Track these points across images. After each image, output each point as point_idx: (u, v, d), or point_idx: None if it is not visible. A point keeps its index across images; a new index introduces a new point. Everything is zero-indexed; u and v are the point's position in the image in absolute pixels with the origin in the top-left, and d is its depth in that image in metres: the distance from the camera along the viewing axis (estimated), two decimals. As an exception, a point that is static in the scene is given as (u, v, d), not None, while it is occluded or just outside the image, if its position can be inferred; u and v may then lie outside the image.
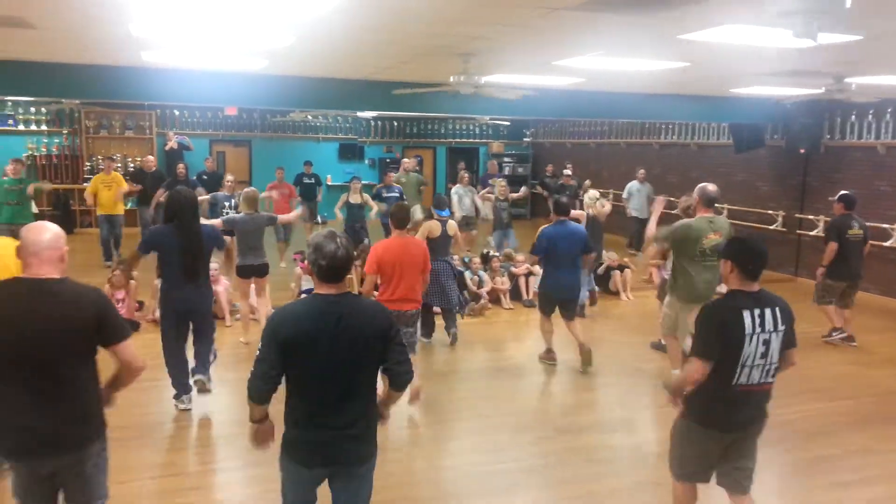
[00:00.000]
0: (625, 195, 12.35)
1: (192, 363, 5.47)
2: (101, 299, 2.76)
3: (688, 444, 3.28)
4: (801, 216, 10.48)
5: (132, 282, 7.36)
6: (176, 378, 5.29)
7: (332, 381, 2.67)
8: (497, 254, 9.53)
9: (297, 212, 8.64)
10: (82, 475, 2.76)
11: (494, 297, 8.82)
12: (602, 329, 7.95)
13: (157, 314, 5.79)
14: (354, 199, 10.17)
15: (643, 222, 11.36)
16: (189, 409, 5.27)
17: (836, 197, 7.52)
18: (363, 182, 10.79)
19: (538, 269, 9.35)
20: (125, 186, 10.92)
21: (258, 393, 2.70)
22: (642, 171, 12.25)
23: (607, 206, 8.91)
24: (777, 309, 3.11)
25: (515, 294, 9.01)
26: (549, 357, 6.62)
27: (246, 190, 7.14)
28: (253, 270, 6.84)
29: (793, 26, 3.25)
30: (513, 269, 9.17)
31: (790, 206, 10.74)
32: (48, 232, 2.69)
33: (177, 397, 5.30)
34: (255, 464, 4.45)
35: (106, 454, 2.88)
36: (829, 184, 10.24)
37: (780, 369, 3.16)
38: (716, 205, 5.50)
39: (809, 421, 5.39)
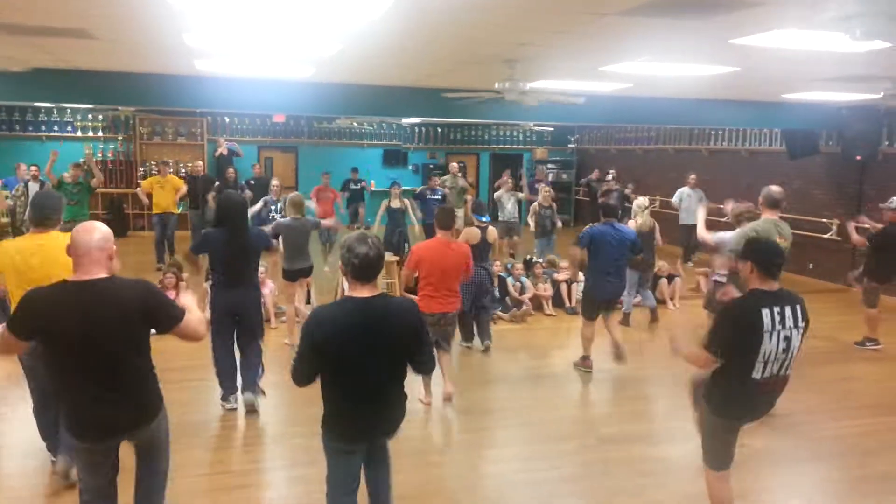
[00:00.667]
0: (675, 200, 11.97)
1: (239, 380, 5.43)
2: (146, 291, 2.89)
3: (713, 436, 3.47)
4: (858, 225, 10.13)
5: (182, 283, 7.57)
6: (223, 378, 5.38)
7: (365, 378, 2.91)
8: (540, 260, 9.47)
9: (332, 221, 8.80)
10: (152, 440, 3.07)
11: (537, 304, 8.77)
12: (647, 337, 7.82)
13: (207, 314, 5.93)
14: (395, 203, 10.28)
15: (693, 229, 11.17)
16: (235, 409, 5.37)
17: (893, 204, 7.32)
18: (405, 188, 10.92)
19: (581, 277, 9.28)
20: (182, 187, 11.25)
21: (297, 384, 2.97)
22: (693, 175, 11.95)
23: (645, 220, 8.34)
24: (797, 306, 3.26)
25: (558, 301, 8.94)
26: (584, 364, 6.53)
27: (292, 195, 7.23)
28: (299, 273, 6.95)
29: (850, 30, 3.15)
30: (555, 275, 9.10)
31: (845, 215, 10.40)
32: (97, 232, 2.82)
33: (224, 398, 5.41)
34: (301, 464, 4.52)
35: (167, 423, 3.15)
36: (886, 192, 9.86)
37: None
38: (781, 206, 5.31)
39: (862, 437, 5.20)
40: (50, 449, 4.30)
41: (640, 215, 8.22)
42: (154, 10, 4.15)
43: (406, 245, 10.72)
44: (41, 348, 2.86)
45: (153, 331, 2.95)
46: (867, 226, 7.79)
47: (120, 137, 14.90)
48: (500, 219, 11.10)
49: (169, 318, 2.93)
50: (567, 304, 8.92)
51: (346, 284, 8.05)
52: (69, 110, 14.44)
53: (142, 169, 14.71)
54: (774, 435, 5.17)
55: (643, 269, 8.01)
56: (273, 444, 4.97)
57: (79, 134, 14.69)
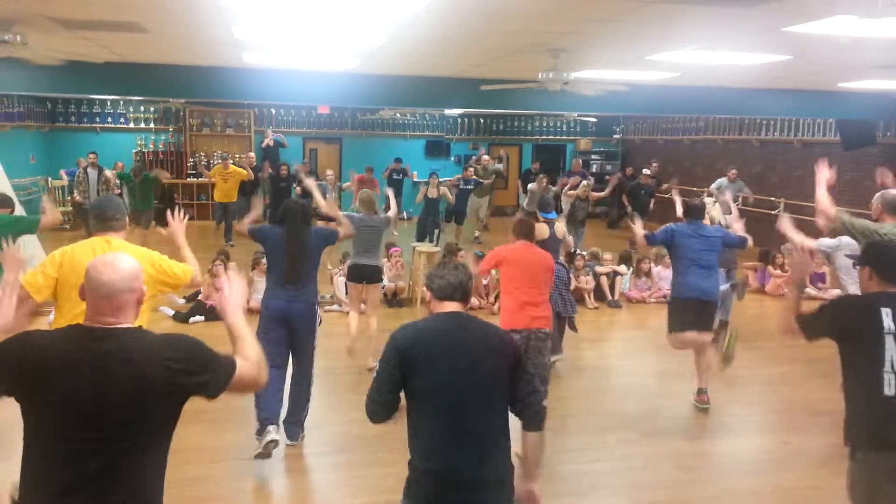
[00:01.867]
0: (713, 188, 11.54)
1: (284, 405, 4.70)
2: (186, 347, 2.05)
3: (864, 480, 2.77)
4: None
5: (230, 271, 7.71)
6: (266, 404, 4.43)
7: (457, 410, 2.41)
8: (582, 252, 9.40)
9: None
10: None
11: (578, 297, 8.69)
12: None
13: (250, 304, 5.93)
14: (432, 193, 10.92)
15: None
16: (276, 443, 4.37)
17: None
18: (447, 178, 11.43)
19: (623, 269, 9.17)
20: (245, 175, 12.05)
21: (374, 412, 2.52)
22: (734, 170, 11.58)
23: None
24: None
25: (599, 294, 8.86)
26: (700, 400, 5.53)
27: (362, 192, 6.77)
28: (363, 272, 6.39)
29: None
30: (597, 268, 9.01)
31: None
32: (122, 269, 2.03)
33: (260, 432, 4.38)
34: (341, 450, 4.60)
35: None
36: (948, 184, 9.49)
37: None
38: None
39: None
40: None
41: (709, 212, 7.51)
42: (204, 4, 4.25)
43: (438, 232, 11.06)
44: (22, 415, 1.99)
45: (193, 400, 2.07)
46: None
47: (170, 129, 15.30)
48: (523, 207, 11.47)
49: (220, 380, 2.05)
50: (609, 298, 8.83)
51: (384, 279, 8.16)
52: (122, 102, 14.89)
53: (192, 160, 15.08)
54: (817, 432, 5.04)
55: (728, 269, 7.27)
56: (315, 430, 5.03)
57: (131, 125, 15.14)
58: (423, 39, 5.35)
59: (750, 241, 5.79)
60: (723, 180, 11.72)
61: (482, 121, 17.05)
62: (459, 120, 16.88)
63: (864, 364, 2.76)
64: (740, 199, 11.24)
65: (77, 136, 14.70)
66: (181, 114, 15.16)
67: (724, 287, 6.69)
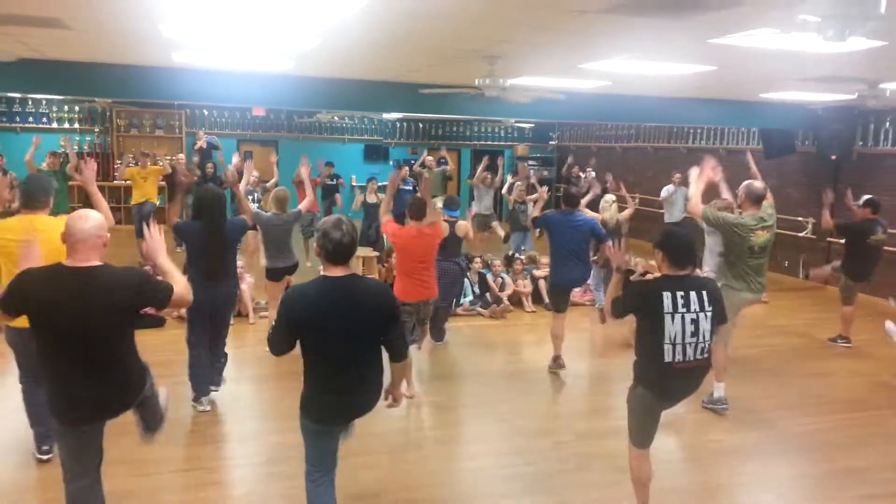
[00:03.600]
0: (664, 194, 11.68)
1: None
2: (141, 279, 3.00)
3: (639, 412, 3.67)
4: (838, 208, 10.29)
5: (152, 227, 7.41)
6: (198, 379, 5.27)
7: (339, 353, 3.01)
8: (520, 256, 9.50)
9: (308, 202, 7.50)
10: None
11: (516, 300, 8.80)
12: (623, 332, 7.87)
13: (183, 311, 5.84)
14: (371, 198, 10.56)
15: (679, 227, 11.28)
16: (208, 411, 5.28)
17: (862, 201, 7.45)
18: (381, 183, 11.12)
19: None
20: (163, 169, 11.40)
21: (274, 352, 3.11)
22: (678, 174, 11.85)
23: (620, 213, 8.16)
24: (704, 291, 3.46)
25: (537, 297, 8.97)
26: (556, 365, 6.39)
27: (276, 189, 6.86)
28: (283, 272, 6.70)
29: (822, 31, 3.19)
30: (535, 271, 9.13)
31: (820, 214, 10.53)
32: (92, 220, 2.93)
33: (196, 399, 5.28)
34: (276, 461, 4.50)
35: (153, 394, 3.33)
36: (861, 191, 9.97)
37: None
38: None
39: (833, 432, 5.29)
40: (38, 439, 4.24)
41: (606, 210, 8.03)
42: (128, 1, 4.09)
43: (383, 239, 10.86)
44: (32, 329, 2.93)
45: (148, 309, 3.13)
46: (851, 207, 7.71)
47: (96, 129, 14.70)
48: (476, 211, 11.28)
49: (163, 297, 3.00)
50: (546, 301, 8.95)
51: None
52: (45, 101, 14.21)
53: (119, 162, 14.51)
54: (747, 430, 5.24)
55: (607, 267, 7.93)
56: (248, 440, 4.93)
57: (55, 125, 14.47)
58: (359, 42, 5.31)
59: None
60: (669, 187, 11.69)
61: (421, 125, 17.06)
62: (398, 124, 16.84)
63: (647, 335, 3.48)
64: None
65: (-5, 135, 13.95)
66: (108, 114, 14.59)
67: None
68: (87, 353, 2.90)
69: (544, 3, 3.81)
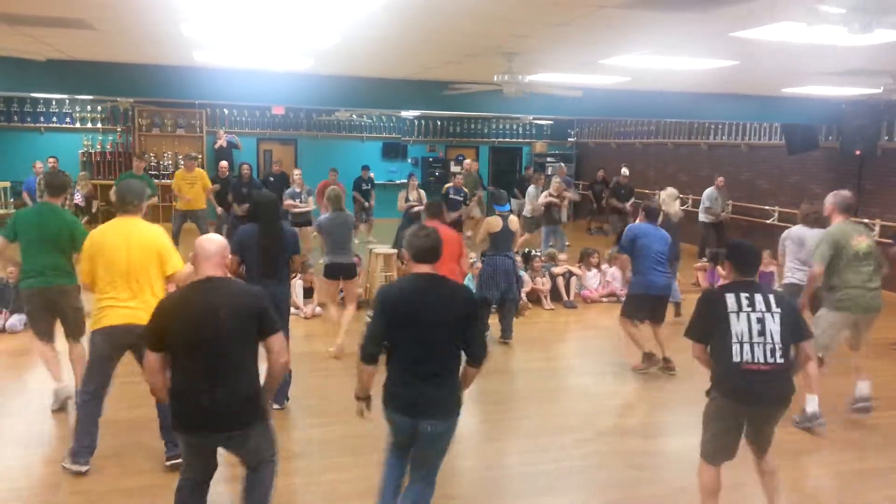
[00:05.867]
0: (707, 203, 11.50)
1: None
2: (261, 294, 3.20)
3: (713, 418, 3.57)
4: (856, 220, 10.15)
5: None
6: None
7: (424, 347, 3.18)
8: (538, 253, 9.48)
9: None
10: (249, 448, 3.20)
11: (534, 298, 8.77)
12: (648, 332, 7.82)
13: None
14: (413, 196, 10.37)
15: (716, 227, 11.18)
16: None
17: None
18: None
19: (578, 271, 9.29)
20: (209, 184, 10.75)
21: (368, 353, 3.23)
22: (721, 178, 11.57)
23: (677, 210, 8.09)
24: (770, 294, 3.49)
25: (556, 295, 8.95)
26: (650, 362, 6.25)
27: (330, 190, 6.94)
28: (340, 270, 6.55)
29: (848, 23, 3.15)
30: (553, 269, 9.10)
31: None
32: (218, 243, 3.20)
33: None
34: (297, 456, 4.53)
35: (269, 431, 3.28)
36: (885, 187, 9.89)
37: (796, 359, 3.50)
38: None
39: (863, 431, 5.22)
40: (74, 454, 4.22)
41: (670, 205, 7.85)
42: (152, 1, 4.14)
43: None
44: (168, 348, 3.06)
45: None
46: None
47: (119, 129, 14.88)
48: (524, 214, 11.34)
49: (269, 325, 3.10)
50: (565, 298, 8.92)
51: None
52: (67, 101, 14.41)
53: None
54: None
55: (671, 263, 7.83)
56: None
57: (77, 125, 14.67)
58: (378, 40, 5.32)
59: None
60: (711, 190, 11.51)
61: (439, 123, 17.07)
62: (416, 122, 16.86)
63: (717, 339, 3.46)
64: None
65: (20, 135, 14.19)
66: (129, 113, 14.76)
67: None
68: (211, 364, 3.00)
69: (564, -2, 3.79)
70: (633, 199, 12.37)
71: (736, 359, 3.37)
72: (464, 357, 3.30)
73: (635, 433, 5.17)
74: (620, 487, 4.32)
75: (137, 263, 4.02)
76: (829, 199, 5.28)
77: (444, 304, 3.18)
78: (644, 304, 6.23)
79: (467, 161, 13.58)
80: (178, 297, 3.19)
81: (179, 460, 3.94)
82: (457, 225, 10.73)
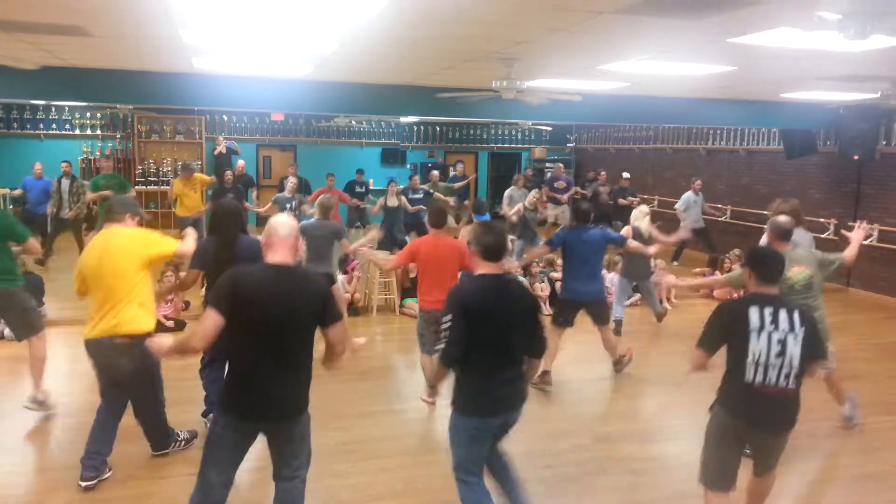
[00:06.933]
0: (681, 207, 11.45)
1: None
2: (326, 283, 3.24)
3: (714, 436, 3.46)
4: (854, 224, 10.16)
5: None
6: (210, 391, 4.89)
7: (500, 344, 3.27)
8: (536, 260, 9.45)
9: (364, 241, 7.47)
10: (293, 439, 3.19)
11: (535, 303, 8.75)
12: (641, 337, 7.82)
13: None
14: (392, 201, 10.44)
15: (700, 232, 11.13)
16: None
17: None
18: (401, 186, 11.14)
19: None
20: (207, 180, 10.86)
21: (448, 363, 3.27)
22: (699, 181, 11.56)
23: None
24: (795, 312, 3.23)
25: (555, 300, 8.92)
26: (543, 381, 5.99)
27: (322, 197, 7.00)
28: None
29: (844, 29, 3.15)
30: (552, 274, 9.09)
31: (843, 215, 10.41)
32: (289, 227, 3.16)
33: (205, 414, 4.93)
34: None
35: (309, 424, 3.27)
36: (884, 191, 9.90)
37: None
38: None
39: (867, 436, 5.21)
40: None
41: (640, 220, 7.80)
42: (151, 7, 4.15)
43: (406, 238, 10.82)
44: (231, 326, 2.98)
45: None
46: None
47: (118, 136, 14.89)
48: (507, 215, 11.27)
49: (334, 314, 3.12)
50: (564, 304, 8.90)
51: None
52: (67, 108, 14.43)
53: (140, 167, 14.71)
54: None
55: (641, 278, 7.84)
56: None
57: (77, 132, 14.69)
58: (377, 46, 5.33)
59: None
60: (689, 195, 11.42)
61: (438, 129, 17.09)
62: (415, 128, 16.89)
63: (732, 352, 3.30)
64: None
65: (19, 142, 14.19)
66: (129, 120, 14.78)
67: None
68: (279, 350, 3.00)
69: (561, 4, 3.80)
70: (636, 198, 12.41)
71: (748, 379, 3.20)
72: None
73: (633, 438, 5.16)
74: (619, 492, 4.31)
75: (111, 273, 3.98)
76: (769, 227, 4.75)
77: (515, 301, 3.29)
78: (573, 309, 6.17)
79: (460, 166, 13.58)
80: (257, 272, 3.09)
81: (167, 451, 4.10)
82: (419, 226, 10.63)
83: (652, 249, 6.94)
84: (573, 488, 4.38)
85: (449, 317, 3.19)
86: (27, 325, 4.98)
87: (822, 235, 10.50)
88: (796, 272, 4.69)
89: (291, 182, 9.97)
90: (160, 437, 4.45)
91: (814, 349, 3.26)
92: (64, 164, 11.09)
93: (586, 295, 6.08)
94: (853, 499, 4.37)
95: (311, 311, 3.04)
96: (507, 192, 11.40)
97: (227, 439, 3.11)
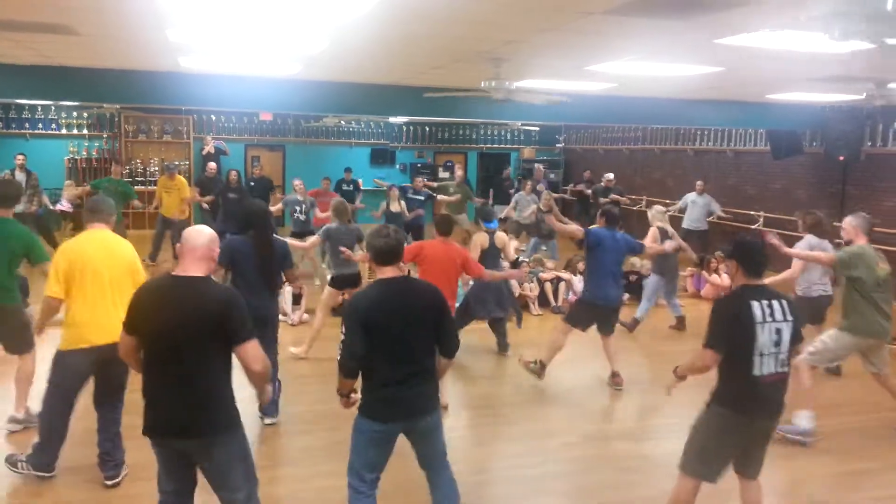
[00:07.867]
0: (680, 205, 11.59)
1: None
2: (231, 300, 2.94)
3: (713, 431, 3.43)
4: (840, 225, 10.24)
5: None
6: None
7: (400, 350, 3.14)
8: (526, 259, 9.49)
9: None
10: (213, 462, 2.98)
11: (522, 303, 8.77)
12: (635, 336, 7.85)
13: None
14: (394, 207, 10.30)
15: (700, 234, 11.17)
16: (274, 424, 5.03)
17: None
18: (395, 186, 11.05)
19: (566, 276, 9.31)
20: (188, 194, 10.75)
21: (348, 368, 3.15)
22: (700, 182, 11.59)
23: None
24: (784, 301, 3.34)
25: (543, 300, 8.96)
26: (538, 370, 6.08)
27: (335, 201, 7.05)
28: (347, 280, 6.66)
29: (829, 30, 3.18)
30: (541, 274, 9.12)
31: (829, 215, 10.45)
32: (206, 235, 3.01)
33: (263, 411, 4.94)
34: (285, 463, 4.51)
35: (240, 447, 3.06)
36: (869, 192, 10.00)
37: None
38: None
39: (848, 434, 5.25)
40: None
41: (659, 221, 7.82)
42: (137, 6, 4.13)
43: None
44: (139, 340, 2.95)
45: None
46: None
47: (105, 135, 14.77)
48: (514, 218, 11.36)
49: (235, 334, 2.89)
50: (553, 304, 8.94)
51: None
52: (53, 107, 14.31)
53: (127, 167, 14.60)
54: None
55: (669, 277, 7.81)
56: (261, 444, 4.93)
57: (63, 131, 14.56)
58: (366, 45, 5.33)
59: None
60: (691, 195, 11.48)
61: (427, 129, 17.09)
62: (405, 128, 16.87)
63: (737, 349, 3.28)
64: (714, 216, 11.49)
65: (4, 141, 14.04)
66: (116, 119, 14.67)
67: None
68: (174, 365, 2.87)
69: (549, 4, 3.81)
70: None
71: (756, 372, 3.24)
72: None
73: (624, 437, 5.18)
74: (610, 490, 4.33)
75: (116, 275, 3.97)
76: (853, 221, 5.15)
77: (415, 303, 3.17)
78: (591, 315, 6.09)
79: (459, 174, 13.59)
80: (155, 284, 3.08)
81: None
82: (418, 229, 10.75)
83: (670, 246, 7.07)
84: (563, 485, 4.40)
85: (343, 328, 3.10)
86: (23, 343, 4.83)
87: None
88: (883, 268, 4.96)
89: (299, 183, 9.84)
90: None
91: (797, 335, 3.39)
92: (19, 157, 10.78)
93: (613, 300, 6.04)
94: (838, 496, 4.41)
95: (205, 327, 2.85)
96: (514, 197, 11.70)
97: (158, 456, 3.05)
